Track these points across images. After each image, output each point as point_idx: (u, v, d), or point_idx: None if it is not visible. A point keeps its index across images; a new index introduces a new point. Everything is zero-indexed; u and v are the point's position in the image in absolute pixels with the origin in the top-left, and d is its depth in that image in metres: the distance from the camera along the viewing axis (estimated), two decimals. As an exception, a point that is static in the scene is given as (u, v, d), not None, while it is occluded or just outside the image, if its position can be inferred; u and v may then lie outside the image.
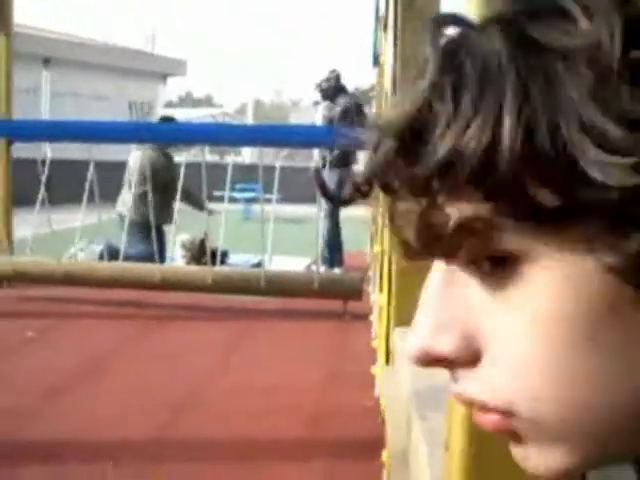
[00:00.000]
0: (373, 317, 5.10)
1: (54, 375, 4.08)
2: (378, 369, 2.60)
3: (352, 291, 5.68)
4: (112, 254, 7.19)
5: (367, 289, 6.02)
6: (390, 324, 2.24)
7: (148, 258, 6.18)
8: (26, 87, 14.97)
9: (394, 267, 2.21)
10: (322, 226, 7.93)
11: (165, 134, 5.92)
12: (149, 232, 6.13)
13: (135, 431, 3.31)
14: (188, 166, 6.31)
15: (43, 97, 18.29)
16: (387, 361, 2.27)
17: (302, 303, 5.87)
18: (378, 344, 2.80)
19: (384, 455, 2.38)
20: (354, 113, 8.05)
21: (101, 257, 7.25)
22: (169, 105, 30.30)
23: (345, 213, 8.49)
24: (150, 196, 6.31)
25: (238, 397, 3.84)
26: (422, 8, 2.13)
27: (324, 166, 7.95)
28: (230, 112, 38.55)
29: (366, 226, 9.73)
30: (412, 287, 1.94)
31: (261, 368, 4.39)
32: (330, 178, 7.85)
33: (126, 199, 7.21)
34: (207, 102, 61.26)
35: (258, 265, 8.05)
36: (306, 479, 2.93)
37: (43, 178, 5.74)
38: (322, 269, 7.86)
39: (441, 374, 1.41)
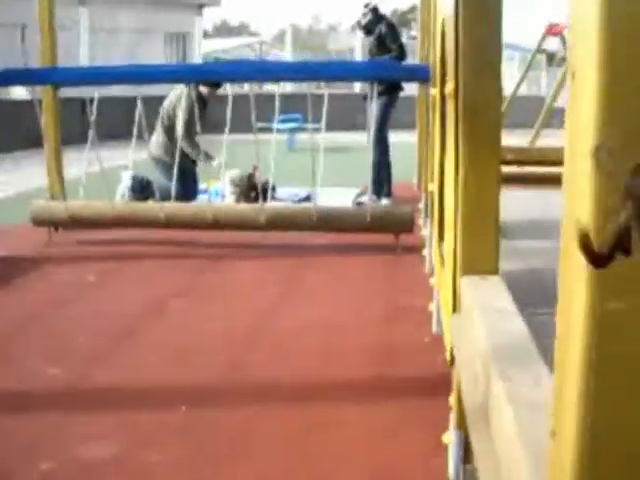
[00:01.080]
0: (426, 251, 5.11)
1: (118, 319, 4.16)
2: (444, 316, 2.61)
3: (403, 225, 5.68)
4: (142, 185, 7.31)
5: (418, 222, 6.01)
6: (457, 272, 2.24)
7: (178, 197, 6.23)
8: (64, 24, 14.93)
9: (460, 213, 2.20)
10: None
11: (207, 74, 5.88)
12: (179, 170, 6.18)
13: (201, 374, 3.38)
14: (223, 97, 6.24)
15: (81, 34, 18.24)
16: (454, 308, 2.28)
17: (354, 237, 5.90)
18: (442, 290, 2.81)
19: (451, 400, 2.42)
20: (390, 40, 7.95)
21: (132, 189, 7.37)
22: (205, 36, 30.06)
23: (393, 140, 8.46)
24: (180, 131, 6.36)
25: (298, 335, 3.90)
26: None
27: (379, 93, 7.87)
28: (267, 40, 38.15)
29: (413, 154, 9.73)
30: (478, 235, 1.95)
31: (318, 305, 4.44)
32: (375, 106, 7.78)
33: (154, 140, 7.30)
34: (243, 30, 60.63)
35: (306, 199, 8.09)
36: (373, 419, 2.98)
37: (92, 118, 5.74)
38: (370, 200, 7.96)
39: (518, 331, 1.42)
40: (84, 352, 3.65)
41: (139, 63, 14.38)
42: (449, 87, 2.24)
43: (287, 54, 22.69)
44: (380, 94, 7.69)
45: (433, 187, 3.85)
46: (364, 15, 8.26)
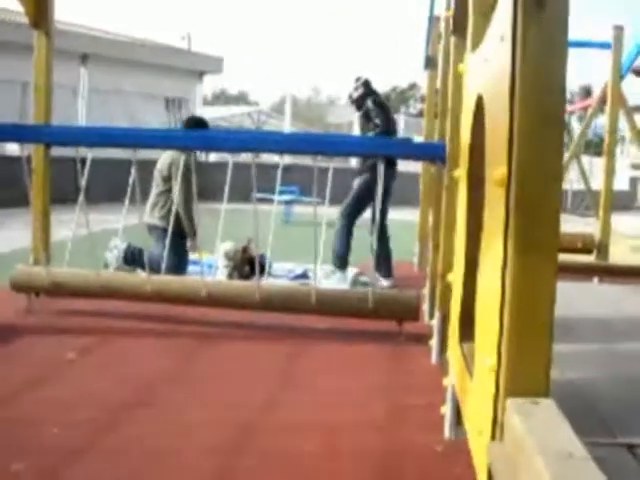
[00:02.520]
0: (433, 342, 4.75)
1: (96, 408, 3.75)
2: (474, 437, 2.24)
3: (409, 312, 5.33)
4: (134, 256, 7.00)
5: (423, 308, 5.66)
6: (499, 392, 1.88)
7: (170, 268, 5.87)
8: (63, 83, 14.79)
9: (507, 323, 1.85)
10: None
11: (211, 141, 5.59)
12: (173, 240, 5.83)
13: (188, 476, 2.98)
14: (219, 166, 5.95)
15: (80, 94, 18.09)
16: (493, 435, 1.90)
17: (355, 321, 5.53)
18: (470, 405, 2.44)
19: None
20: (375, 114, 7.78)
21: (125, 260, 7.07)
22: (204, 103, 30.07)
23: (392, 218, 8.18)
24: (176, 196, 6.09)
25: (294, 436, 3.49)
26: (552, 16, 1.77)
27: (358, 172, 7.96)
28: (265, 109, 38.29)
29: (412, 233, 9.44)
30: (529, 350, 1.57)
31: (314, 401, 4.04)
32: (356, 181, 7.87)
33: (149, 206, 6.98)
34: (241, 99, 61.12)
35: (302, 276, 7.76)
36: None
37: (83, 181, 5.40)
38: (368, 279, 7.67)
39: None
40: (54, 446, 3.23)
41: (135, 127, 14.20)
42: (499, 173, 1.90)
43: (286, 124, 22.54)
44: (366, 168, 7.69)
45: (452, 278, 3.49)
46: (355, 89, 8.10)
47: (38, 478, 2.91)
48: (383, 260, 7.78)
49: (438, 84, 7.49)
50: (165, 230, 6.49)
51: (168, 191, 7.06)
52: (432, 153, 5.08)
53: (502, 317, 1.89)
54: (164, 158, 7.20)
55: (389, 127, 7.88)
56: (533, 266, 1.83)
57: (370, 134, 7.76)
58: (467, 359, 2.71)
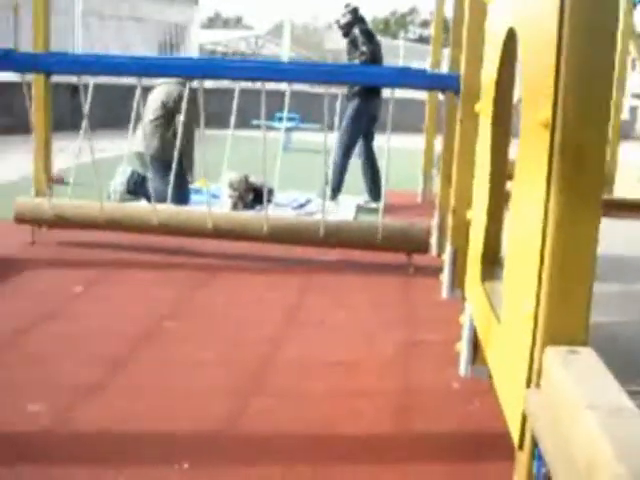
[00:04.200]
0: (444, 276, 4.71)
1: (109, 340, 3.72)
2: (504, 384, 2.21)
3: (418, 244, 5.28)
4: (137, 184, 6.96)
5: (431, 241, 5.60)
6: (536, 339, 1.83)
7: (173, 199, 5.78)
8: (59, 8, 14.47)
9: (547, 265, 1.79)
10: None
11: (220, 70, 5.44)
12: (168, 170, 5.70)
13: (200, 422, 2.94)
14: (215, 92, 5.81)
15: (76, 19, 17.70)
16: (528, 382, 1.87)
17: (363, 254, 5.48)
18: (498, 349, 2.40)
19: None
20: (361, 42, 7.96)
21: (128, 189, 7.01)
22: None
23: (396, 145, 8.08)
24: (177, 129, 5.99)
25: (307, 375, 3.45)
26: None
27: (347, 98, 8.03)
28: (261, 34, 37.64)
29: (411, 161, 9.33)
30: (570, 298, 1.52)
31: (327, 336, 4.00)
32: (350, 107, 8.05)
33: (139, 135, 6.82)
34: (237, 23, 60.11)
35: (305, 205, 7.72)
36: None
37: (86, 107, 5.26)
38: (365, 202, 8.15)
39: None
40: (69, 384, 3.19)
41: (139, 55, 13.98)
42: (543, 115, 1.82)
43: (285, 50, 22.17)
44: (354, 95, 7.94)
45: (471, 214, 3.43)
46: (343, 15, 8.23)
47: (55, 417, 2.88)
48: (371, 183, 8.18)
49: (448, 10, 7.34)
50: (164, 161, 6.39)
51: (168, 122, 6.94)
52: (447, 84, 4.96)
53: (543, 262, 1.83)
54: (166, 88, 7.05)
55: (375, 55, 8.07)
56: (577, 212, 1.77)
57: (356, 62, 7.95)
58: (491, 300, 2.66)
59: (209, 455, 2.67)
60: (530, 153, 2.04)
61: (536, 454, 1.86)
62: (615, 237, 4.27)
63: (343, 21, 8.20)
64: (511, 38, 2.55)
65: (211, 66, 5.52)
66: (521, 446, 1.97)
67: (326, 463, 2.68)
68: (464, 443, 2.90)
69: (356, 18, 8.19)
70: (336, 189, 7.85)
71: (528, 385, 1.91)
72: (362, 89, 7.83)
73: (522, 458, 1.98)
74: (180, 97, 6.63)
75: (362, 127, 8.08)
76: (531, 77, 2.09)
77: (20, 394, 3.04)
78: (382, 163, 5.67)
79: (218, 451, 2.71)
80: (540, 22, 1.95)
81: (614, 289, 3.01)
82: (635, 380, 1.88)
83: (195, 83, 6.72)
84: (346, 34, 8.20)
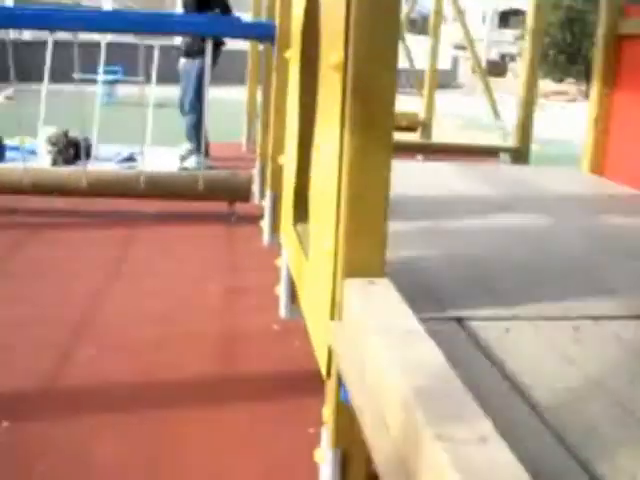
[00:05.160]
0: (264, 223, 4.78)
1: None
2: (312, 318, 2.30)
3: (240, 193, 5.33)
4: None
5: (253, 189, 5.66)
6: (336, 272, 1.92)
7: None
8: None
9: (343, 206, 1.88)
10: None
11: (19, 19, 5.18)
12: None
13: (22, 378, 2.91)
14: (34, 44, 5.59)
15: None
16: (332, 315, 1.96)
17: (185, 205, 5.48)
18: (306, 286, 2.49)
19: (326, 414, 2.12)
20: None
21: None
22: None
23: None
24: None
25: (130, 326, 3.46)
26: None
27: (186, 54, 7.50)
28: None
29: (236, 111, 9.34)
30: (366, 233, 1.62)
31: (149, 288, 4.01)
32: (188, 65, 7.44)
33: None
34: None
35: (130, 159, 7.58)
36: (224, 424, 2.64)
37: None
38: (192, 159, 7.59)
39: (437, 363, 1.09)
40: None
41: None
42: (335, 58, 1.89)
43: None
44: (199, 51, 6.91)
45: (283, 160, 3.50)
46: None
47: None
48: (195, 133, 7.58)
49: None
50: None
51: None
52: (262, 33, 4.98)
53: (339, 200, 1.91)
54: None
55: (228, 7, 7.60)
56: (369, 149, 1.85)
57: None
58: (302, 241, 2.75)
59: (31, 412, 2.65)
60: (326, 96, 2.11)
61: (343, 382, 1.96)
62: (431, 177, 4.46)
63: None
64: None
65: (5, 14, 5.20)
66: (329, 375, 2.06)
67: (150, 410, 2.71)
68: (284, 380, 3.00)
69: None
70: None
71: (332, 317, 2.00)
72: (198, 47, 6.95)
73: (330, 387, 2.07)
74: None
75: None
76: (326, 22, 2.16)
77: None
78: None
79: (40, 407, 2.69)
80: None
81: (424, 225, 3.15)
82: (430, 308, 2.00)
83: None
84: None
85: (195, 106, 7.43)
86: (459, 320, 1.96)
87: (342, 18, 1.86)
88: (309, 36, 2.91)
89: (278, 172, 4.27)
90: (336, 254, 1.95)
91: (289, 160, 3.25)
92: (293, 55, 3.20)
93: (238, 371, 3.09)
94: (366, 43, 1.81)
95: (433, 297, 2.14)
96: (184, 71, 7.58)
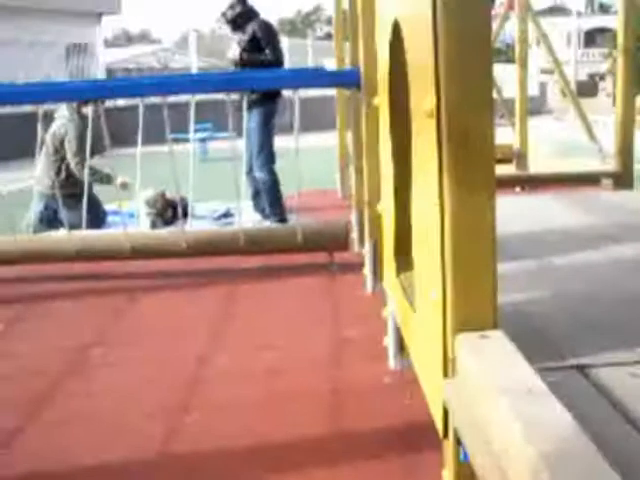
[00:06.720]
0: (367, 270, 4.71)
1: (35, 375, 3.62)
2: (425, 376, 2.21)
3: (338, 242, 5.28)
4: (50, 218, 6.76)
5: (352, 237, 5.60)
6: (447, 328, 1.83)
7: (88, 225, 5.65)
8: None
9: (448, 252, 1.79)
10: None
11: (118, 90, 5.35)
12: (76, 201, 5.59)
13: (133, 451, 2.89)
14: (128, 109, 5.74)
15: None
16: (445, 372, 1.86)
17: (285, 258, 5.46)
18: (417, 342, 2.40)
19: (446, 475, 2.01)
20: (263, 42, 6.93)
21: (41, 221, 6.81)
22: (105, 45, 29.15)
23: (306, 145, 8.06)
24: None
25: (236, 384, 3.42)
26: None
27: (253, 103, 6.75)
28: (169, 47, 37.42)
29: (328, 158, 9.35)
30: (475, 283, 1.52)
31: (254, 343, 3.97)
32: (252, 116, 6.79)
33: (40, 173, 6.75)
34: (144, 38, 59.55)
35: (226, 215, 7.65)
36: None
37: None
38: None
39: (563, 423, 0.97)
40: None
41: (35, 81, 13.70)
42: (427, 104, 1.82)
43: (193, 61, 21.99)
44: (255, 103, 6.76)
45: (381, 208, 3.43)
46: (231, 7, 7.10)
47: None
48: (266, 196, 7.10)
49: (345, 4, 7.33)
50: (64, 196, 6.07)
51: (62, 158, 6.84)
52: (347, 80, 4.96)
53: (443, 250, 1.83)
54: (54, 127, 6.94)
55: (279, 56, 7.04)
56: (471, 196, 1.77)
57: (257, 56, 6.90)
58: (406, 290, 2.66)
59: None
60: (422, 143, 2.04)
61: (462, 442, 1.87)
62: (530, 211, 4.33)
63: (231, 13, 7.09)
64: (397, 30, 2.55)
65: (96, 87, 5.34)
66: (445, 435, 1.96)
67: (262, 468, 2.65)
68: (398, 437, 2.89)
69: (248, 9, 7.14)
70: (278, 209, 7.02)
71: (445, 374, 1.90)
72: (263, 94, 6.79)
73: (448, 447, 1.98)
74: (63, 138, 6.63)
75: (271, 130, 7.05)
76: (414, 68, 2.09)
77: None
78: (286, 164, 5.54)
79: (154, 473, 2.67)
80: (416, 9, 1.95)
81: (531, 265, 3.03)
82: (548, 357, 1.89)
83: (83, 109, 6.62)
84: (237, 26, 7.11)
85: (266, 165, 6.92)
86: (580, 368, 1.84)
87: (430, 60, 1.79)
88: (396, 80, 2.85)
89: (376, 219, 4.21)
90: (444, 306, 1.86)
91: (386, 208, 3.18)
92: (382, 101, 3.14)
93: (348, 428, 2.99)
94: (458, 85, 1.73)
95: (549, 343, 2.03)
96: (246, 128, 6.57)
